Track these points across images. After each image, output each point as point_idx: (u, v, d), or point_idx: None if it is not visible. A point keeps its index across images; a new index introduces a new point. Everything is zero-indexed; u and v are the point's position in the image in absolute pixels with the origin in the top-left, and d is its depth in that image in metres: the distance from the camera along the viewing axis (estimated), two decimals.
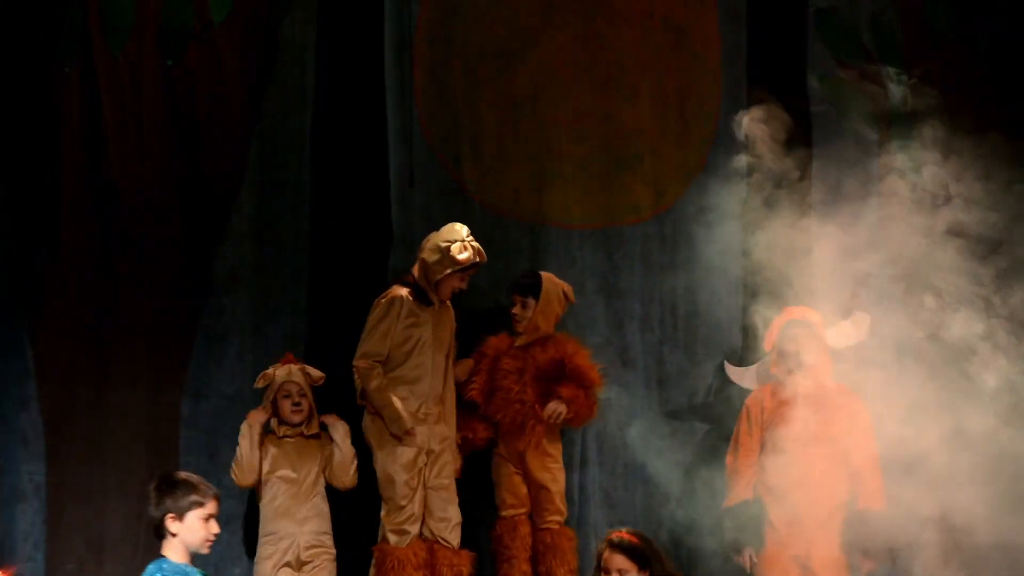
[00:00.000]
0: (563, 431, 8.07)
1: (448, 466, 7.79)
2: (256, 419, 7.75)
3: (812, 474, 7.50)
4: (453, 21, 8.44)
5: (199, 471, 8.04)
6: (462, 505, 7.83)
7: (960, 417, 7.26)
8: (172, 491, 5.69)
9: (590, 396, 7.88)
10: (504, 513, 7.98)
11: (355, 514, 7.86)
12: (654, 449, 8.26)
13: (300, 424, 7.81)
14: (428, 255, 7.70)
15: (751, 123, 7.78)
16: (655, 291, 8.38)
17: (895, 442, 7.32)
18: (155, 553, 8.01)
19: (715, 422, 8.22)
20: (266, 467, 7.72)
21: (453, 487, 7.79)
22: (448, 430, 7.84)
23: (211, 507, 5.71)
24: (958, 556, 7.56)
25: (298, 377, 7.78)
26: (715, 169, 8.28)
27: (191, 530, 5.67)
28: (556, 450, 8.00)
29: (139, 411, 8.20)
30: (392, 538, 7.68)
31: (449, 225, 7.77)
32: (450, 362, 7.91)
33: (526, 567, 7.93)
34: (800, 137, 8.10)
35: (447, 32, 8.44)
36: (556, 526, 7.94)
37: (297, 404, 7.78)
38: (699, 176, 8.34)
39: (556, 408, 7.84)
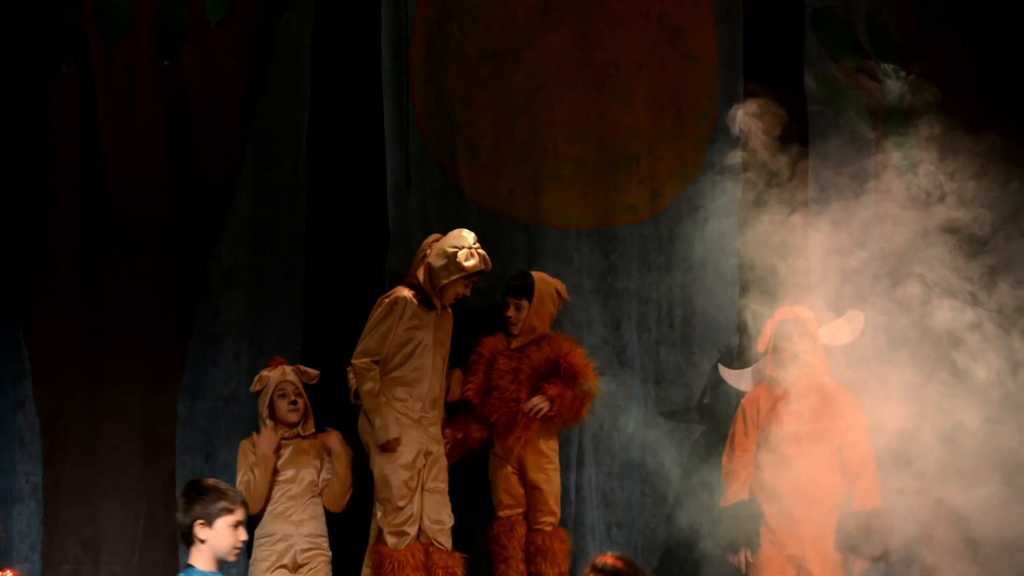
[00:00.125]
0: (560, 431, 8.06)
1: (444, 470, 7.79)
2: (269, 446, 7.71)
3: (808, 474, 7.50)
4: (449, 21, 8.43)
5: (195, 472, 8.16)
6: (455, 507, 7.82)
7: (952, 413, 7.26)
8: (201, 497, 5.65)
9: (578, 396, 7.86)
10: (501, 513, 7.97)
11: (347, 516, 7.85)
12: (650, 449, 8.25)
13: (297, 424, 7.80)
14: (435, 259, 7.71)
15: (746, 117, 7.78)
16: (652, 291, 8.35)
17: (885, 437, 7.34)
18: (152, 554, 8.14)
19: (711, 422, 8.20)
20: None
21: (447, 490, 7.78)
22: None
23: (240, 514, 5.66)
24: (956, 553, 7.56)
25: (293, 376, 7.79)
26: (712, 169, 8.26)
27: (220, 536, 5.62)
28: (552, 451, 7.99)
29: (135, 412, 8.21)
30: (391, 540, 7.67)
31: (456, 231, 7.79)
32: (446, 366, 7.91)
33: (523, 567, 7.92)
34: (796, 134, 8.11)
35: (443, 32, 8.43)
36: (549, 528, 7.93)
37: (294, 403, 7.78)
38: (696, 176, 8.32)
39: (537, 403, 7.83)
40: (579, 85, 8.39)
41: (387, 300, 7.76)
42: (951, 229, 7.63)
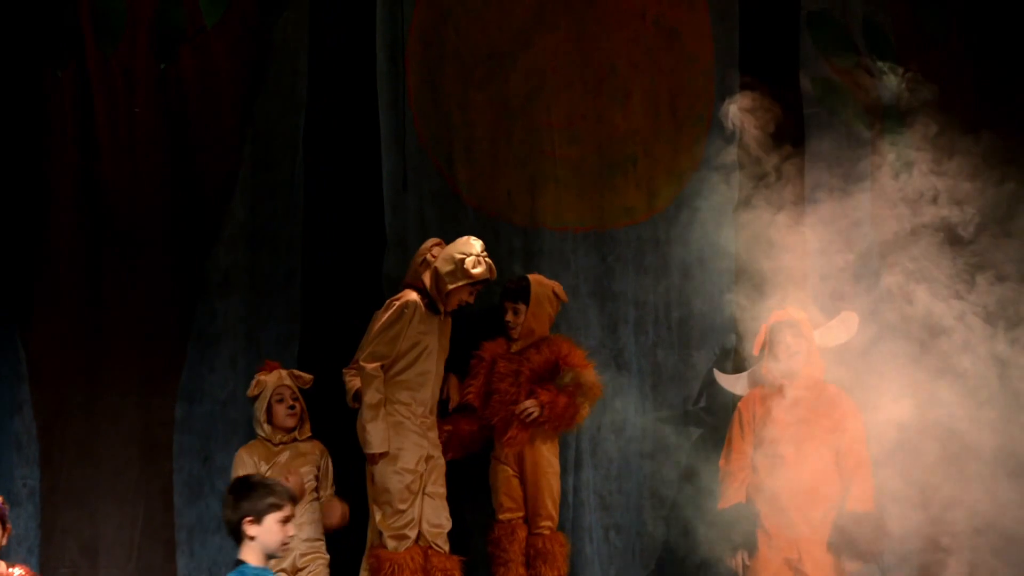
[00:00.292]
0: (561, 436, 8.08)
1: (443, 475, 7.80)
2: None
3: (804, 476, 7.50)
4: (446, 23, 8.42)
5: (192, 476, 8.16)
6: (453, 509, 7.82)
7: (950, 412, 7.29)
8: (249, 494, 5.65)
9: (572, 403, 7.85)
10: (501, 516, 7.97)
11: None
12: (648, 452, 8.26)
13: (294, 428, 7.80)
14: (442, 265, 7.71)
15: (738, 112, 7.78)
16: (649, 294, 8.36)
17: (882, 435, 7.38)
18: (149, 557, 8.14)
19: (708, 425, 8.21)
20: None
21: (445, 495, 7.79)
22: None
23: (288, 509, 5.66)
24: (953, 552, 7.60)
25: (289, 381, 7.80)
26: (708, 171, 8.26)
27: (269, 532, 5.61)
28: (553, 454, 7.99)
29: (132, 415, 8.20)
30: (391, 543, 7.68)
31: (465, 238, 7.80)
32: (443, 372, 7.93)
33: (522, 571, 7.93)
34: (791, 135, 8.11)
35: (440, 34, 8.43)
36: (547, 531, 7.94)
37: (291, 407, 7.79)
38: (692, 178, 8.32)
39: (528, 407, 7.83)
40: (576, 87, 8.39)
41: (397, 303, 7.75)
42: (946, 229, 7.64)
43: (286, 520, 5.64)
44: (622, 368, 8.29)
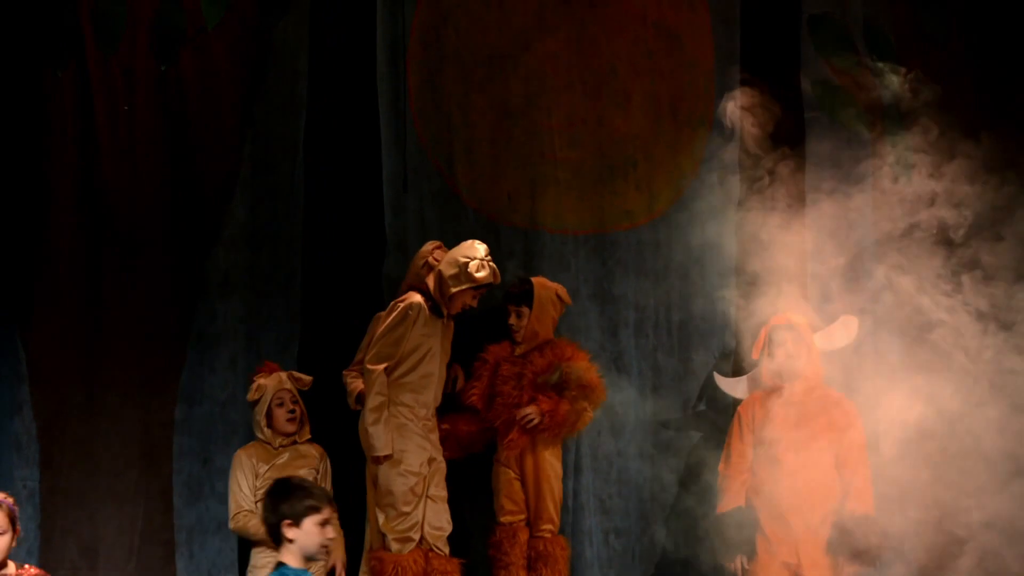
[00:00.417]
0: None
1: (444, 478, 7.80)
2: None
3: (803, 480, 7.52)
4: (446, 26, 8.42)
5: (191, 477, 8.16)
6: (454, 512, 7.82)
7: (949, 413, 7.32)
8: (287, 497, 5.64)
9: (573, 410, 7.84)
10: (503, 519, 7.98)
11: (344, 522, 7.83)
12: (648, 456, 8.26)
13: (294, 433, 7.80)
14: (446, 268, 7.71)
15: (736, 110, 7.79)
16: (649, 297, 8.36)
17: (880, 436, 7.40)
18: (148, 559, 8.14)
19: (708, 429, 8.21)
20: (261, 483, 7.70)
21: (447, 498, 7.79)
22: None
23: (327, 512, 5.65)
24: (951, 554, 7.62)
25: (289, 384, 7.78)
26: (708, 174, 8.27)
27: (308, 536, 5.61)
28: (556, 458, 7.98)
29: (132, 416, 8.20)
30: (395, 546, 7.68)
31: (469, 242, 7.79)
32: (445, 374, 7.93)
33: (523, 574, 7.92)
34: (792, 138, 8.11)
35: (440, 37, 8.42)
36: (549, 535, 7.94)
37: (291, 411, 7.76)
38: (692, 182, 8.32)
39: (529, 413, 7.83)
40: (576, 90, 8.39)
41: (402, 305, 7.75)
42: (945, 231, 7.65)
43: (324, 523, 5.63)
44: (622, 371, 8.29)
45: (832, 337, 7.84)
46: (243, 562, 7.88)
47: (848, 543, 7.52)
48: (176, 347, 8.29)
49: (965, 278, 7.54)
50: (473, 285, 7.69)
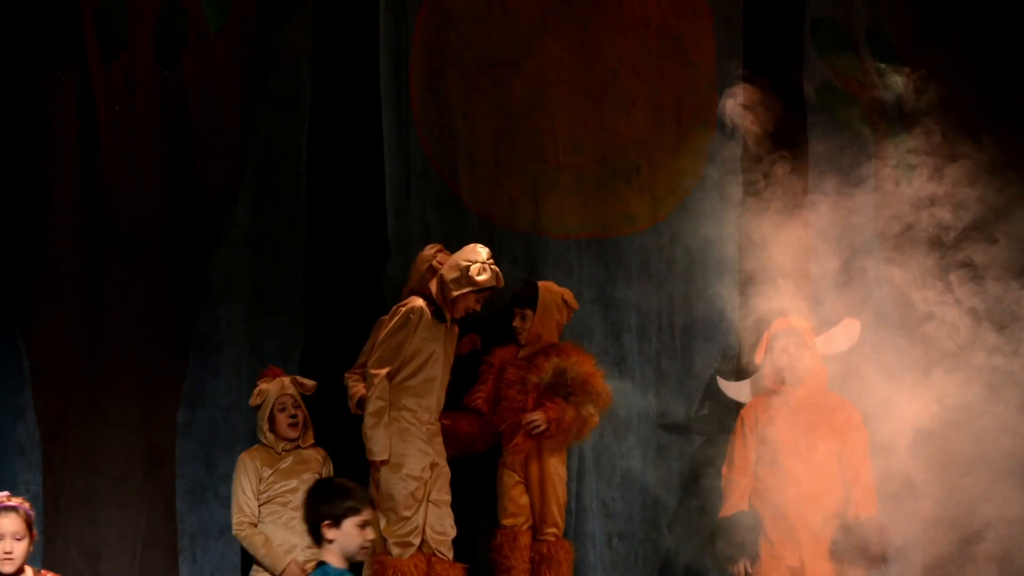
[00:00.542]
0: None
1: (448, 482, 7.80)
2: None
3: (807, 484, 7.52)
4: (448, 30, 8.42)
5: (195, 482, 8.16)
6: (458, 516, 7.83)
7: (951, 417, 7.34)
8: (327, 497, 5.66)
9: (579, 416, 7.84)
10: (504, 522, 7.98)
11: None
12: (651, 460, 8.27)
13: (297, 438, 7.79)
14: (448, 272, 7.71)
15: (736, 107, 7.80)
16: (652, 301, 8.36)
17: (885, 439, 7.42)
18: (151, 563, 8.14)
19: (711, 433, 8.21)
20: (264, 486, 7.70)
21: (450, 502, 7.79)
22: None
23: (367, 513, 5.66)
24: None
25: (292, 389, 7.77)
26: (711, 179, 8.27)
27: (348, 537, 5.62)
28: (561, 462, 7.99)
29: (135, 421, 8.19)
30: (395, 550, 7.68)
31: (471, 245, 7.78)
32: (449, 379, 7.93)
33: None
34: (795, 142, 8.12)
35: (443, 42, 8.43)
36: (552, 538, 7.94)
37: (293, 416, 7.74)
38: (695, 186, 8.33)
39: (536, 420, 7.82)
40: (579, 95, 8.39)
41: (403, 309, 7.75)
42: (947, 233, 7.66)
43: (364, 524, 5.64)
44: (625, 375, 8.29)
45: (834, 340, 7.85)
46: (246, 567, 7.88)
47: (852, 546, 7.52)
48: (179, 351, 8.29)
49: (968, 280, 7.55)
50: (474, 289, 7.69)
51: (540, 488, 7.92)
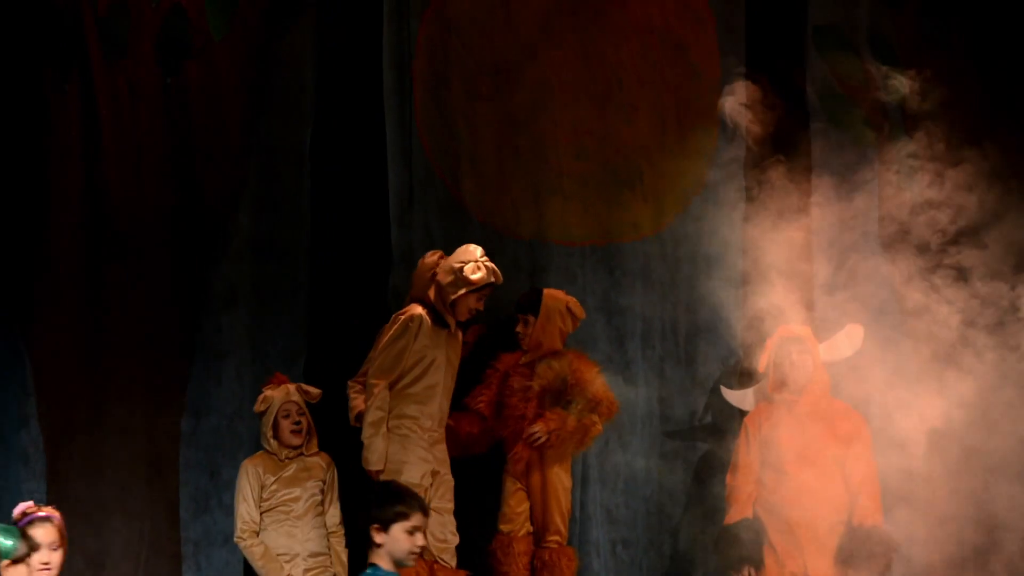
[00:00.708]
0: None
1: (451, 490, 7.80)
2: None
3: (810, 492, 7.52)
4: (452, 38, 8.42)
5: (198, 490, 8.16)
6: (462, 524, 7.83)
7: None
8: (379, 501, 5.65)
9: (580, 426, 7.83)
10: (501, 528, 7.99)
11: (348, 532, 7.82)
12: (655, 467, 8.26)
13: (300, 445, 7.79)
14: (443, 276, 7.71)
15: (736, 106, 7.80)
16: (656, 308, 8.35)
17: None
18: (156, 571, 8.15)
19: (716, 440, 8.20)
20: (267, 494, 7.70)
21: (452, 510, 7.79)
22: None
23: (416, 519, 5.63)
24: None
25: (296, 396, 7.77)
26: (715, 185, 8.26)
27: (396, 541, 5.61)
28: (564, 470, 7.98)
29: (139, 429, 8.21)
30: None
31: (463, 246, 7.79)
32: (454, 385, 7.91)
33: None
34: (799, 149, 8.12)
35: (446, 49, 8.42)
36: (555, 546, 7.94)
37: (297, 423, 7.74)
38: (699, 193, 8.32)
39: (536, 432, 7.82)
40: (582, 102, 8.38)
41: (402, 318, 7.75)
42: (950, 237, 7.66)
43: (414, 530, 5.62)
44: (629, 382, 8.27)
45: (837, 347, 7.83)
46: (249, 575, 7.89)
47: (856, 554, 7.52)
48: (182, 359, 8.30)
49: (970, 281, 7.55)
50: (471, 288, 7.69)
51: (542, 496, 7.92)
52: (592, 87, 8.38)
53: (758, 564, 7.66)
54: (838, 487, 7.59)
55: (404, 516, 5.61)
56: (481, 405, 8.03)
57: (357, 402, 7.86)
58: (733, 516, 7.72)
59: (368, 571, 5.64)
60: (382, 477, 7.65)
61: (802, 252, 7.81)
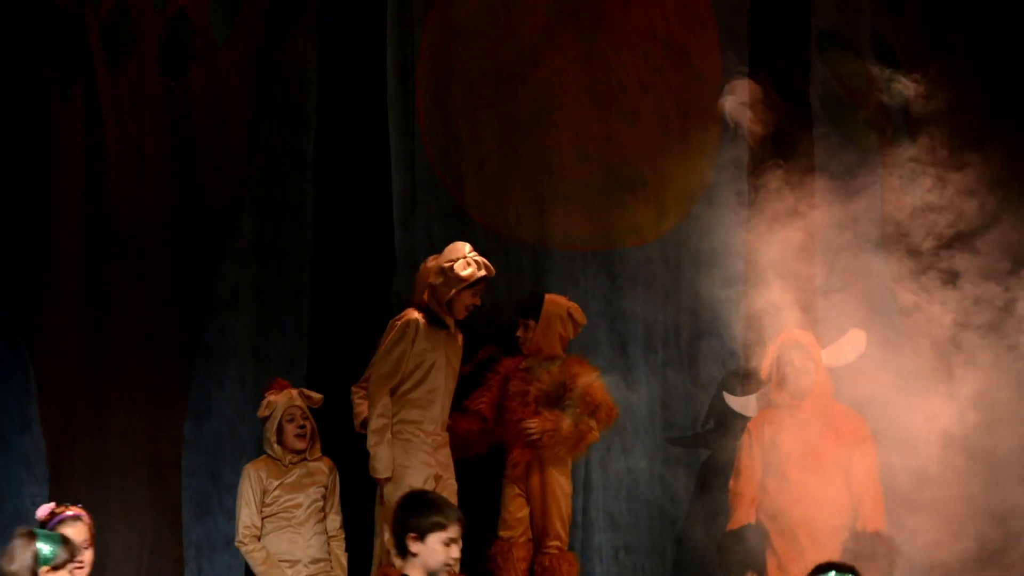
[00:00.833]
0: None
1: (454, 495, 7.78)
2: None
3: (814, 497, 7.50)
4: (455, 42, 8.43)
5: (200, 493, 8.16)
6: (468, 527, 7.80)
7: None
8: (414, 510, 5.54)
9: (577, 429, 7.82)
10: (501, 533, 7.99)
11: (350, 537, 7.84)
12: (657, 472, 8.25)
13: (304, 450, 7.78)
14: (434, 279, 7.71)
15: (736, 104, 7.80)
16: (658, 313, 8.35)
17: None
18: (158, 573, 8.15)
19: (718, 445, 8.19)
20: (269, 499, 7.70)
21: None
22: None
23: (453, 531, 5.51)
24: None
25: (300, 401, 7.77)
26: (718, 190, 8.26)
27: (431, 552, 5.48)
28: (564, 476, 7.97)
29: (141, 433, 8.22)
30: (398, 562, 7.65)
31: (451, 245, 7.77)
32: (455, 387, 7.90)
33: None
34: (802, 154, 8.12)
35: (449, 53, 8.43)
36: (555, 551, 7.93)
37: (301, 427, 7.73)
38: (702, 197, 8.31)
39: (529, 426, 7.81)
40: (585, 106, 8.39)
41: (399, 323, 7.74)
42: (953, 241, 7.66)
43: (450, 542, 5.50)
44: (631, 388, 8.26)
45: (840, 352, 7.82)
46: None
47: (860, 560, 7.49)
48: (184, 363, 8.31)
49: (972, 284, 7.55)
50: (463, 285, 7.68)
51: (542, 501, 7.91)
52: (594, 91, 8.39)
53: (761, 569, 7.62)
54: (841, 491, 7.57)
55: (441, 527, 5.48)
56: (482, 406, 8.03)
57: (362, 408, 7.85)
58: (736, 521, 7.70)
59: None
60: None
61: (804, 255, 7.80)
